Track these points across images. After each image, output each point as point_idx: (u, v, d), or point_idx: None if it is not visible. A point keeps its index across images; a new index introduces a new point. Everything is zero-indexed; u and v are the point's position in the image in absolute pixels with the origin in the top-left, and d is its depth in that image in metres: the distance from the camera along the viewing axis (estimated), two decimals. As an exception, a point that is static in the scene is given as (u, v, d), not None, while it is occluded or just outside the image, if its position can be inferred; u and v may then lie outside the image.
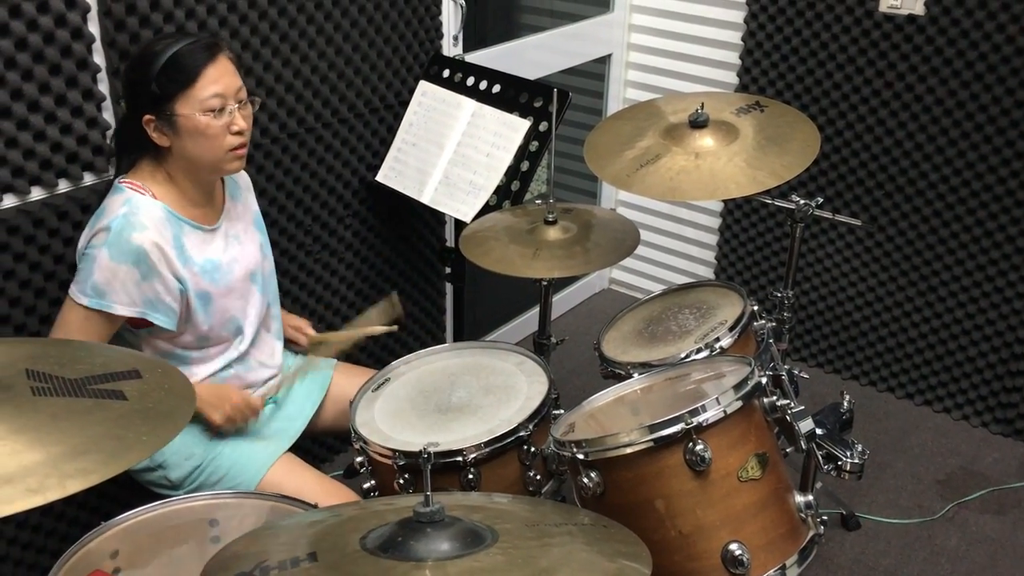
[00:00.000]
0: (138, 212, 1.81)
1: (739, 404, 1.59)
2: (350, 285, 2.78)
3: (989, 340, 3.00)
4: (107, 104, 2.04)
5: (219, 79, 1.81)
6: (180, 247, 1.88)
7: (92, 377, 1.18)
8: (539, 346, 2.40)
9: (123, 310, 1.82)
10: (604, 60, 3.53)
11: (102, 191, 2.05)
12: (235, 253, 2.01)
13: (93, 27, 1.98)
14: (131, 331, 1.92)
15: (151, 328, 1.90)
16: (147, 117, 1.81)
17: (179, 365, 1.96)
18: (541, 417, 1.92)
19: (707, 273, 3.64)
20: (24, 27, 1.85)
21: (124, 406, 1.13)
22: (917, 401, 3.23)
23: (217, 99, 1.80)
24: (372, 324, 2.28)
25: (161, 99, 1.79)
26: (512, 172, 2.47)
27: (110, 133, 2.06)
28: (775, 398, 1.66)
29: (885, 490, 2.83)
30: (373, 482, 1.95)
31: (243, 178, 2.11)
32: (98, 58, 2.01)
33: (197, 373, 2.00)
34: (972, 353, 3.05)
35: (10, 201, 1.95)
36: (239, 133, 1.85)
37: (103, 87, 2.03)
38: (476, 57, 2.92)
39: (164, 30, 2.07)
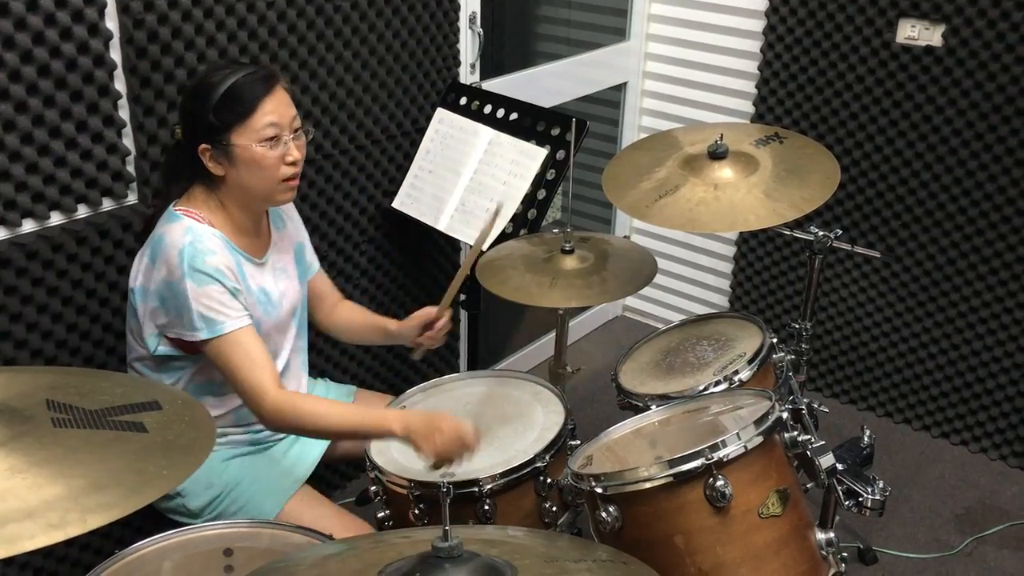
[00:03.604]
0: (203, 239, 1.80)
1: (760, 439, 1.57)
2: (365, 311, 2.77)
3: (1007, 372, 2.98)
4: (127, 130, 2.06)
5: (275, 110, 1.81)
6: (242, 275, 1.87)
7: (112, 408, 1.17)
8: (555, 375, 2.38)
9: (234, 323, 1.80)
10: (620, 88, 3.54)
11: (121, 216, 2.07)
12: (283, 287, 2.01)
13: (115, 54, 1.99)
14: (173, 360, 1.91)
15: (195, 357, 1.89)
16: (203, 146, 1.80)
17: (213, 396, 1.95)
18: (558, 448, 1.91)
19: (722, 302, 3.63)
20: (47, 54, 1.87)
21: (144, 438, 1.12)
22: (934, 433, 3.20)
23: (272, 129, 1.80)
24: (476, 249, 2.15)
25: (218, 129, 1.78)
26: (529, 200, 2.47)
27: (130, 159, 2.07)
28: (796, 433, 1.64)
29: (903, 523, 2.80)
30: (388, 511, 1.94)
31: (287, 208, 2.09)
32: (119, 85, 2.02)
33: (230, 404, 1.98)
34: (990, 385, 3.03)
35: (29, 226, 1.96)
36: (293, 164, 1.85)
37: (124, 113, 2.04)
38: (493, 85, 2.93)
39: (185, 58, 2.09)
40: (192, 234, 1.79)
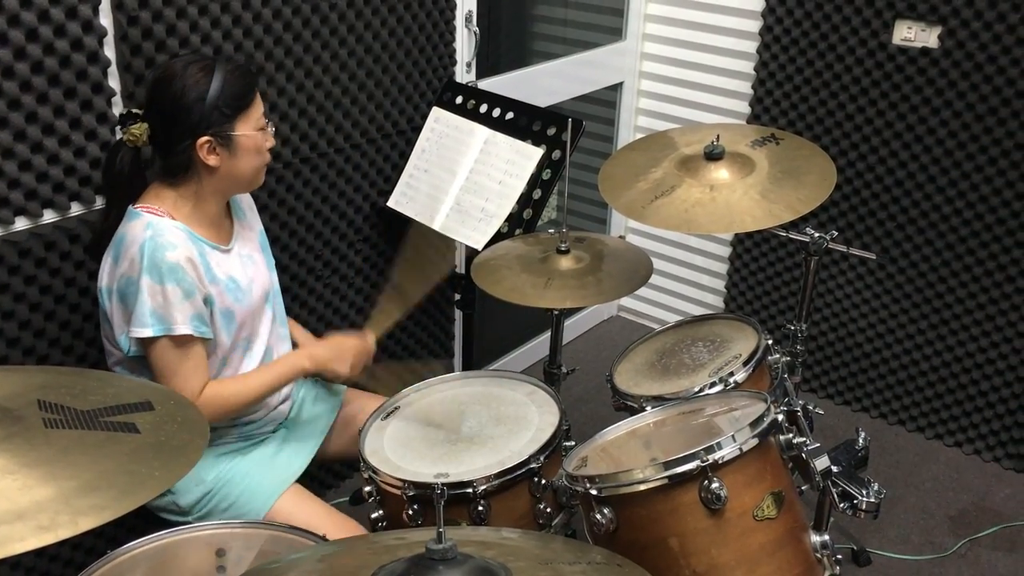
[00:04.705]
0: (164, 233, 1.80)
1: (755, 442, 1.57)
2: (359, 310, 2.76)
3: (1002, 374, 2.98)
4: (121, 128, 2.04)
5: (259, 100, 1.89)
6: (206, 264, 1.87)
7: (104, 409, 1.16)
8: (550, 375, 2.38)
9: (183, 328, 1.81)
10: (616, 88, 3.53)
11: (114, 215, 2.06)
12: (252, 273, 2.00)
13: (109, 51, 1.98)
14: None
15: None
16: (204, 139, 1.80)
17: None
18: (552, 449, 1.90)
19: (717, 302, 3.62)
20: (40, 51, 1.86)
21: (136, 439, 1.12)
22: (928, 435, 3.20)
23: (264, 118, 1.89)
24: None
25: (223, 120, 1.81)
26: (524, 200, 2.46)
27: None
28: (791, 435, 1.64)
29: (896, 525, 2.80)
30: (381, 512, 1.93)
31: (246, 198, 2.11)
32: (113, 82, 2.01)
33: None
34: (985, 387, 3.03)
35: (22, 224, 1.95)
36: (270, 148, 1.94)
37: (117, 111, 2.03)
38: (489, 84, 2.92)
39: (180, 55, 2.08)
40: (152, 228, 1.80)
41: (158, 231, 1.79)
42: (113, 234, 1.85)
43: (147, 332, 1.79)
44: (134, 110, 1.87)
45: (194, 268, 1.82)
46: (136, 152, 1.88)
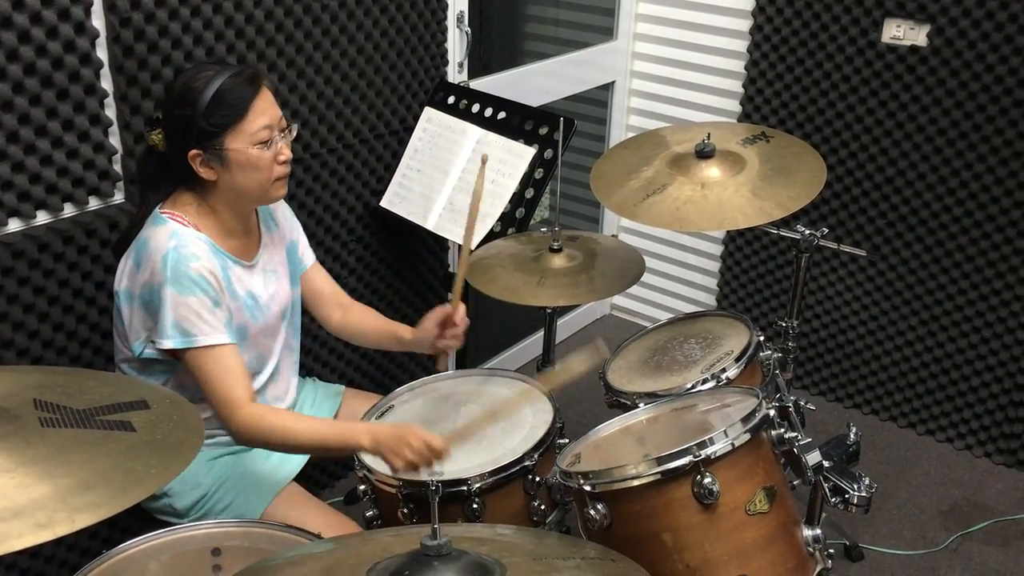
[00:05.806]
0: (188, 244, 1.78)
1: (747, 437, 1.58)
2: (353, 310, 2.77)
3: (992, 370, 3.00)
4: (114, 129, 2.05)
5: (265, 111, 1.80)
6: (227, 279, 1.86)
7: (100, 408, 1.17)
8: (544, 374, 2.38)
9: (210, 339, 1.78)
10: (607, 87, 3.54)
11: (108, 215, 2.06)
12: (273, 290, 1.99)
13: (102, 53, 1.98)
14: (157, 363, 1.89)
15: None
16: (193, 152, 1.78)
17: (200, 401, 1.93)
18: (546, 447, 1.91)
19: (709, 300, 3.64)
20: (33, 52, 1.86)
21: (132, 438, 1.12)
22: (920, 431, 3.22)
23: (266, 131, 1.80)
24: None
25: (211, 134, 1.76)
26: (517, 199, 2.47)
27: (116, 158, 2.06)
28: (783, 430, 1.65)
29: (888, 520, 2.82)
30: (376, 510, 1.94)
31: (280, 208, 2.07)
32: (106, 83, 2.01)
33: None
34: (975, 383, 3.05)
35: (15, 225, 1.95)
36: (285, 162, 1.85)
37: (110, 112, 2.03)
38: (481, 84, 2.93)
39: (172, 56, 2.08)
40: (177, 238, 1.78)
41: (182, 242, 1.78)
42: (138, 232, 1.84)
43: (168, 344, 1.78)
44: (157, 115, 1.86)
45: (216, 281, 1.81)
46: (164, 156, 1.86)
